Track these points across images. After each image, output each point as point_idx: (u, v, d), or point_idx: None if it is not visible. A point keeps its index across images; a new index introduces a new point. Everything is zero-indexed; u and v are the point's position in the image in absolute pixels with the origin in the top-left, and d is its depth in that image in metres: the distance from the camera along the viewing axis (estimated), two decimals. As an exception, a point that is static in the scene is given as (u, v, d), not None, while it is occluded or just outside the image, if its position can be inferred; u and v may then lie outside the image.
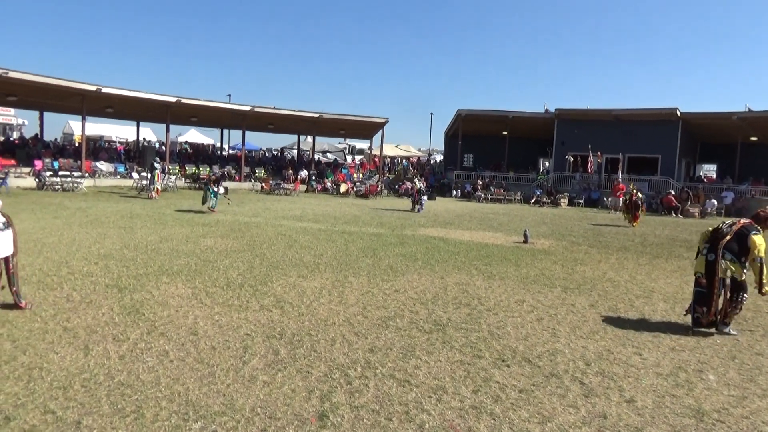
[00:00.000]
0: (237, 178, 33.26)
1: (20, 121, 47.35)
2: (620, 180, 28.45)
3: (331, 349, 5.18)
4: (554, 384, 4.59)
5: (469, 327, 6.12)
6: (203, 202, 18.00)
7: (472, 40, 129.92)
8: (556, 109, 34.68)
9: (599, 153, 31.34)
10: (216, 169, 32.94)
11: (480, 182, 34.01)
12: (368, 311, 6.58)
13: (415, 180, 25.74)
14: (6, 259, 5.91)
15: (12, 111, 44.66)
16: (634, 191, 20.16)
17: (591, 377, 4.79)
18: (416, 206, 22.84)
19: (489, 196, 31.98)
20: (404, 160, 50.09)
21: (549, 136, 35.05)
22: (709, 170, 42.50)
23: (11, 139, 37.06)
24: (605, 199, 29.58)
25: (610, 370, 4.99)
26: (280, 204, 22.87)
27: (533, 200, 30.74)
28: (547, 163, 40.66)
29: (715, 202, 27.80)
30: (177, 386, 4.18)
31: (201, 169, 32.50)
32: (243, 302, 6.72)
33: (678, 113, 30.84)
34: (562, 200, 30.10)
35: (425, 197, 23.77)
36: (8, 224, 5.94)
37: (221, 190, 18.76)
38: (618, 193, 27.29)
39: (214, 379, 4.36)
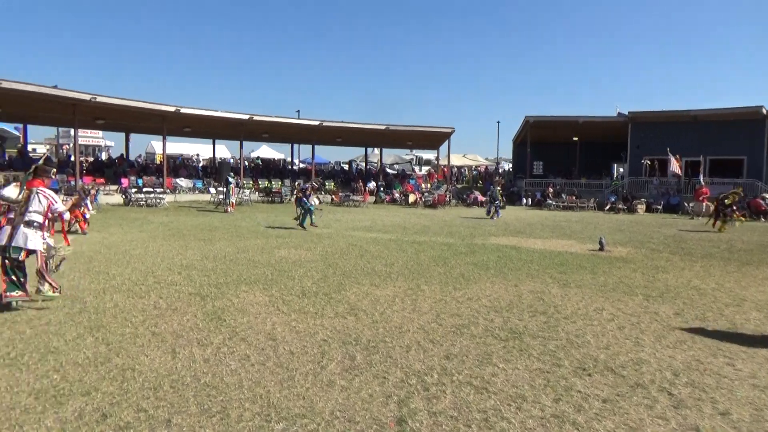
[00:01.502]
0: (308, 190, 34.02)
1: (108, 143, 50.61)
2: (703, 183, 26.93)
3: (406, 356, 5.18)
4: (640, 394, 4.38)
5: (547, 335, 5.96)
6: (299, 222, 16.63)
7: (534, 44, 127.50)
8: (629, 112, 33.37)
9: (678, 156, 29.82)
10: (293, 182, 33.91)
11: (551, 190, 33.17)
12: (442, 319, 6.54)
13: (492, 186, 25.38)
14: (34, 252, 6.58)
15: (100, 134, 47.80)
16: (735, 195, 19.36)
17: (680, 388, 4.53)
18: (493, 214, 22.92)
19: (561, 203, 31.13)
20: (474, 169, 49.66)
21: (622, 140, 33.74)
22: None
23: (100, 159, 39.67)
24: (686, 204, 28.09)
25: (701, 381, 4.71)
26: (350, 215, 23.21)
27: (608, 207, 29.65)
28: (621, 168, 39.16)
29: (810, 206, 25.77)
30: (259, 389, 4.31)
31: (273, 183, 33.55)
32: (318, 309, 6.85)
33: (764, 111, 28.93)
34: (638, 206, 28.85)
35: (500, 204, 23.77)
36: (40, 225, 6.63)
37: (315, 202, 17.42)
38: (701, 198, 25.88)
39: (294, 382, 4.46)
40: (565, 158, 38.79)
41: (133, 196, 25.20)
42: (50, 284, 6.78)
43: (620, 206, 29.28)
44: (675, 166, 29.46)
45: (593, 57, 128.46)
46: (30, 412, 3.83)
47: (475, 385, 4.50)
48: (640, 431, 3.76)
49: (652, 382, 4.64)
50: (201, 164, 41.18)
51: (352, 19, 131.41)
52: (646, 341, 5.83)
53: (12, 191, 6.86)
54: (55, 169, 7.69)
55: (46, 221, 6.79)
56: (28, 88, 22.22)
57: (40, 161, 7.09)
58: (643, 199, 29.87)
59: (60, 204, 6.91)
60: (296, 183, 22.36)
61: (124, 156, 35.77)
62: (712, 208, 19.68)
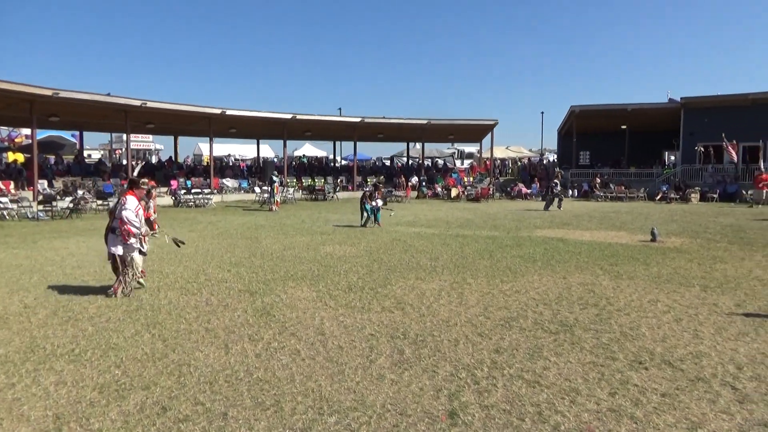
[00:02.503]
0: (350, 187, 34.29)
1: (158, 146, 52.27)
2: (763, 170, 25.69)
3: (455, 350, 5.15)
4: (701, 388, 4.22)
5: (599, 328, 5.81)
6: (363, 224, 16.29)
7: (577, 31, 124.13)
8: (682, 98, 32.10)
9: (734, 142, 28.52)
10: (336, 179, 34.24)
11: (598, 180, 32.31)
12: (490, 312, 6.47)
13: (556, 179, 25.11)
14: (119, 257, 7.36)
15: (150, 138, 49.40)
16: None
17: (744, 382, 4.34)
18: (551, 205, 22.94)
19: (609, 194, 30.29)
20: (519, 161, 48.89)
21: (674, 127, 32.50)
22: None
23: (151, 162, 41.02)
24: (744, 192, 26.87)
25: (767, 374, 4.50)
26: (393, 210, 23.20)
27: (659, 196, 28.66)
28: (673, 157, 37.79)
29: None
30: (310, 383, 4.36)
31: (316, 180, 33.92)
32: (365, 304, 6.88)
33: (829, 91, 27.33)
34: (692, 195, 27.76)
35: (558, 196, 23.56)
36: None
37: (379, 203, 16.91)
38: (761, 185, 24.73)
39: (344, 376, 4.50)
40: (612, 147, 37.66)
41: (182, 197, 25.92)
42: (123, 282, 7.40)
43: (672, 195, 28.26)
44: (732, 152, 28.20)
45: (640, 42, 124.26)
46: (95, 405, 3.99)
47: (526, 378, 4.43)
48: (703, 426, 3.62)
49: (714, 376, 4.46)
50: (233, 164, 42.02)
51: (390, 14, 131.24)
52: (705, 333, 5.61)
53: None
54: (146, 180, 8.64)
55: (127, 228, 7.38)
56: (83, 97, 23.17)
57: (134, 174, 7.82)
58: (697, 188, 28.73)
59: (128, 210, 7.37)
60: (364, 190, 21.31)
61: (173, 158, 36.88)
62: None
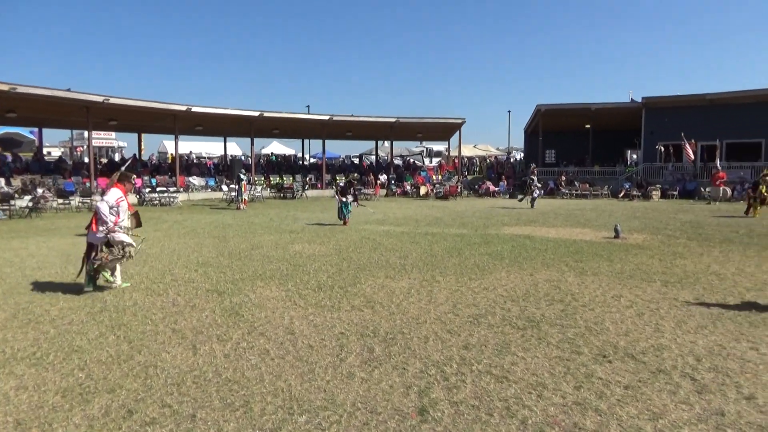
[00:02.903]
0: (319, 185, 34.15)
1: (121, 143, 51.06)
2: (720, 168, 26.58)
3: (425, 347, 5.19)
4: (662, 380, 4.36)
5: (565, 323, 5.93)
6: (339, 216, 16.55)
7: (544, 32, 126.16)
8: (643, 98, 32.94)
9: (693, 141, 29.42)
10: (304, 177, 34.03)
11: (563, 178, 32.92)
12: (458, 309, 6.54)
13: (534, 175, 24.97)
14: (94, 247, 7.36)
15: (113, 135, 48.24)
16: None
17: (703, 373, 4.50)
18: (530, 202, 23.11)
19: (574, 192, 30.90)
20: (487, 159, 49.41)
21: (636, 126, 33.34)
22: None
23: (114, 160, 40.06)
24: (702, 189, 27.76)
25: (724, 365, 4.67)
26: (362, 209, 23.20)
27: (622, 194, 29.38)
28: (635, 155, 38.74)
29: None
30: (280, 382, 4.34)
31: (285, 178, 33.66)
32: (335, 303, 6.88)
33: (782, 92, 28.42)
34: (654, 193, 28.56)
35: (537, 193, 23.75)
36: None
37: (350, 199, 16.87)
38: (718, 182, 25.56)
39: (314, 375, 4.49)
40: (577, 146, 38.41)
41: (147, 195, 25.41)
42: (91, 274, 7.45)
43: (635, 193, 29.01)
44: (689, 151, 29.08)
45: (604, 43, 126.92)
46: (58, 410, 3.89)
47: (494, 374, 4.50)
48: (664, 416, 3.73)
49: (674, 368, 4.61)
50: (200, 161, 41.39)
51: (360, 11, 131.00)
52: (666, 327, 5.78)
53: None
54: (135, 175, 8.51)
55: (98, 218, 7.46)
56: (43, 92, 22.45)
57: (123, 167, 7.89)
58: (658, 186, 29.56)
59: (102, 204, 7.46)
60: (337, 186, 20.98)
61: (137, 156, 36.08)
62: (748, 196, 19.31)
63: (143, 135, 37.47)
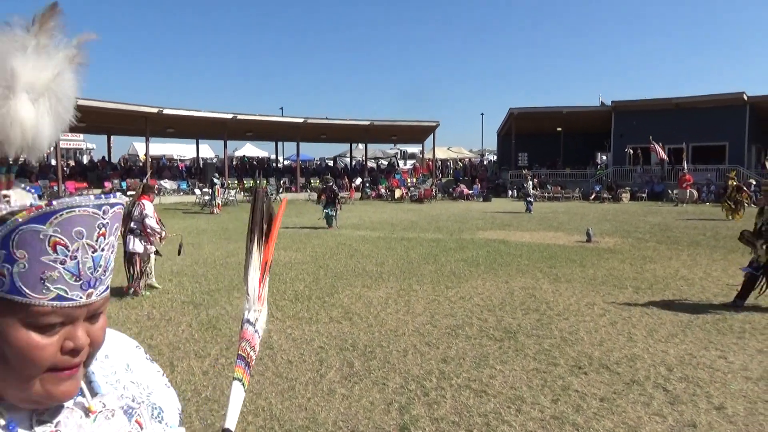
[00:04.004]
0: (293, 188, 33.97)
1: (89, 145, 49.95)
2: (686, 170, 27.29)
3: (404, 360, 5.22)
4: (636, 391, 4.47)
5: (541, 333, 6.03)
6: (329, 225, 16.65)
7: (520, 36, 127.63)
8: (612, 102, 33.69)
9: (661, 144, 30.17)
10: (278, 180, 33.76)
11: (536, 181, 33.36)
12: (436, 320, 6.59)
13: (529, 180, 25.05)
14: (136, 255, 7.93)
15: (81, 136, 47.18)
16: (734, 182, 19.57)
17: (675, 383, 4.62)
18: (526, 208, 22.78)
19: (546, 194, 31.35)
20: (460, 162, 49.75)
21: (606, 129, 34.06)
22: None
23: (82, 162, 39.19)
24: (670, 191, 28.45)
25: (695, 375, 4.81)
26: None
27: (593, 196, 29.94)
28: (605, 158, 39.52)
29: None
30: (260, 401, 4.32)
31: (258, 182, 33.37)
32: (313, 314, 6.86)
33: (745, 97, 29.38)
34: (623, 195, 29.20)
35: (531, 198, 23.67)
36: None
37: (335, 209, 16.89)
38: (685, 185, 26.22)
39: (295, 393, 4.48)
40: (549, 149, 39.02)
41: (117, 199, 24.88)
42: (135, 283, 7.98)
43: (605, 195, 29.60)
44: (659, 153, 29.80)
45: (576, 47, 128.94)
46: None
47: (474, 388, 4.55)
48: (639, 429, 3.83)
49: (647, 378, 4.73)
50: (183, 165, 40.81)
51: (335, 14, 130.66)
52: (638, 336, 5.93)
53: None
54: (157, 187, 9.18)
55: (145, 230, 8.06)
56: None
57: (146, 180, 8.63)
58: (627, 188, 30.23)
59: (150, 220, 8.04)
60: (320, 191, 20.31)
61: (107, 158, 35.39)
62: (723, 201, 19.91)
63: (113, 137, 36.72)
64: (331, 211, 16.70)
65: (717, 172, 29.03)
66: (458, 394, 4.44)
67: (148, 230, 7.99)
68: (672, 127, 30.93)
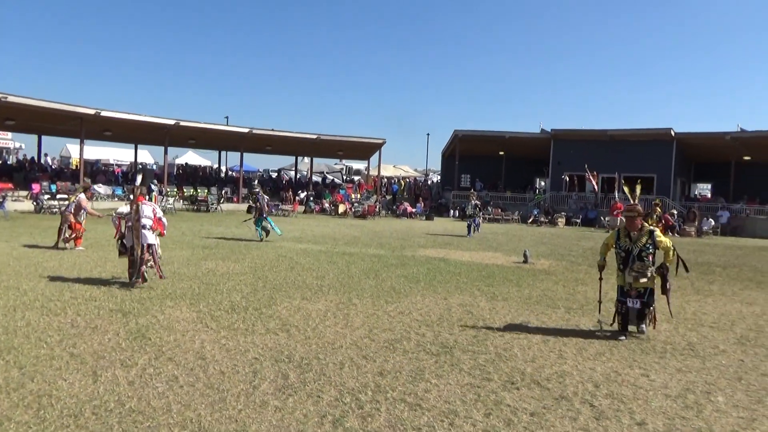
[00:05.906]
0: (235, 199, 33.31)
1: (17, 144, 47.39)
2: (617, 199, 28.61)
3: (340, 373, 5.17)
4: (565, 407, 4.59)
5: (477, 349, 6.12)
6: (267, 234, 16.46)
7: (467, 60, 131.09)
8: (552, 130, 35.01)
9: (596, 173, 31.58)
10: (220, 189, 32.99)
11: (480, 202, 34.10)
12: (374, 334, 6.58)
13: (471, 199, 22.36)
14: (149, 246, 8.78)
15: (9, 135, 44.72)
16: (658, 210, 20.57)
17: (601, 399, 4.79)
18: (471, 230, 21.13)
19: (486, 216, 32.09)
20: (403, 180, 50.19)
21: (545, 156, 35.33)
22: (703, 189, 42.79)
23: (8, 162, 37.08)
24: (602, 218, 29.72)
25: (619, 392, 4.99)
26: (279, 225, 22.84)
27: (530, 220, 30.88)
28: (543, 183, 40.93)
29: (712, 222, 27.96)
30: (189, 412, 4.17)
31: (199, 190, 32.53)
32: (249, 326, 6.71)
33: (672, 133, 31.19)
34: (559, 219, 30.26)
35: (479, 219, 22.26)
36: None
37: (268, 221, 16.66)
38: (616, 212, 27.43)
39: (226, 404, 4.34)
40: (491, 172, 40.07)
41: (45, 202, 23.69)
42: (159, 269, 8.94)
43: (542, 219, 30.60)
44: (594, 182, 31.15)
45: (521, 73, 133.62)
46: (-69, 446, 3.52)
47: (408, 402, 4.56)
48: (566, 443, 3.93)
49: (575, 394, 4.87)
50: (119, 170, 39.29)
51: (282, 23, 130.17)
52: (568, 353, 6.11)
53: (126, 208, 9.22)
54: (145, 188, 10.58)
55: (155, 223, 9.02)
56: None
57: (138, 183, 9.43)
58: (563, 213, 31.36)
59: (159, 211, 9.28)
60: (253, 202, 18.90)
61: (36, 159, 33.64)
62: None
63: (44, 137, 34.93)
64: (260, 227, 16.28)
65: (645, 201, 30.53)
66: (393, 407, 4.43)
67: (160, 223, 9.12)
68: (606, 157, 32.45)
